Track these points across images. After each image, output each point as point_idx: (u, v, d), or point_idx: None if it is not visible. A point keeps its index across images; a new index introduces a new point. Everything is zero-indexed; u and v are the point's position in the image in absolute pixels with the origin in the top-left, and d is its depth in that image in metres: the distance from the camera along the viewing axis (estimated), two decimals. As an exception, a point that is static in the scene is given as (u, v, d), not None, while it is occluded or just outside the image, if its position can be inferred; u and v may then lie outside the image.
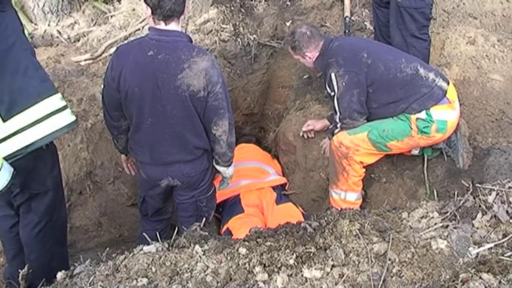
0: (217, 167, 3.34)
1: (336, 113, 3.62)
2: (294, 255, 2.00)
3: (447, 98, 3.47)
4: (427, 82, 3.45)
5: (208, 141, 3.17)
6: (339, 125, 3.65)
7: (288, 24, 5.08)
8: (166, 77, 2.89)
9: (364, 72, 3.46)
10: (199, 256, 2.05)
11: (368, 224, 2.13)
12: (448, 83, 3.54)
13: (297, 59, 3.94)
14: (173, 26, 2.95)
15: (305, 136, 4.29)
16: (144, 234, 2.65)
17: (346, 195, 3.75)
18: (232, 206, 4.12)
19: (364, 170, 3.70)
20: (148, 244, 2.18)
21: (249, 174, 4.35)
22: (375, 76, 3.47)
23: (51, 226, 3.04)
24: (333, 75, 3.51)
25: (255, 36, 5.03)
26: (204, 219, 2.98)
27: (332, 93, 3.58)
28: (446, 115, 3.47)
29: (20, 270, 2.34)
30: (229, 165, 3.33)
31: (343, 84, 3.48)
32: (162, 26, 2.95)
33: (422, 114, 3.43)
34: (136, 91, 2.95)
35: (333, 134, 3.73)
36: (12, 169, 2.56)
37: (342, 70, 3.48)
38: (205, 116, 3.05)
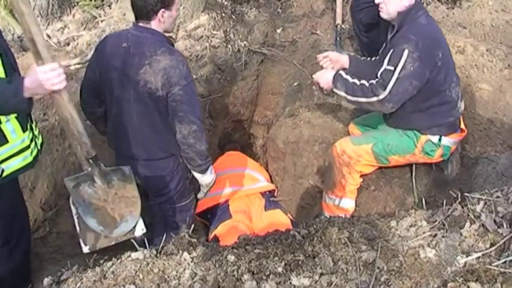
0: (193, 172, 3.22)
1: (384, 89, 3.17)
2: (283, 263, 2.00)
3: (460, 128, 3.47)
4: (457, 113, 3.38)
5: (174, 144, 3.06)
6: (374, 99, 3.21)
7: (278, 31, 5.10)
8: (132, 70, 2.91)
9: (429, 71, 3.19)
10: (188, 263, 2.04)
11: (357, 232, 2.14)
12: None
13: None
14: (144, 24, 2.97)
15: (320, 58, 3.79)
16: (132, 240, 2.64)
17: (341, 201, 3.72)
18: (220, 212, 4.09)
19: (361, 179, 3.70)
20: (136, 250, 2.17)
21: (238, 181, 4.32)
22: (432, 80, 3.24)
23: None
24: (406, 51, 3.13)
25: (245, 42, 5.04)
26: (173, 230, 2.98)
27: (391, 67, 3.17)
28: (453, 142, 3.45)
29: None
30: (203, 172, 3.20)
31: (411, 68, 3.13)
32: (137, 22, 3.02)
33: (435, 138, 3.37)
34: (108, 79, 3.01)
35: (348, 95, 3.32)
36: None
37: (416, 54, 3.13)
38: (169, 117, 2.98)
